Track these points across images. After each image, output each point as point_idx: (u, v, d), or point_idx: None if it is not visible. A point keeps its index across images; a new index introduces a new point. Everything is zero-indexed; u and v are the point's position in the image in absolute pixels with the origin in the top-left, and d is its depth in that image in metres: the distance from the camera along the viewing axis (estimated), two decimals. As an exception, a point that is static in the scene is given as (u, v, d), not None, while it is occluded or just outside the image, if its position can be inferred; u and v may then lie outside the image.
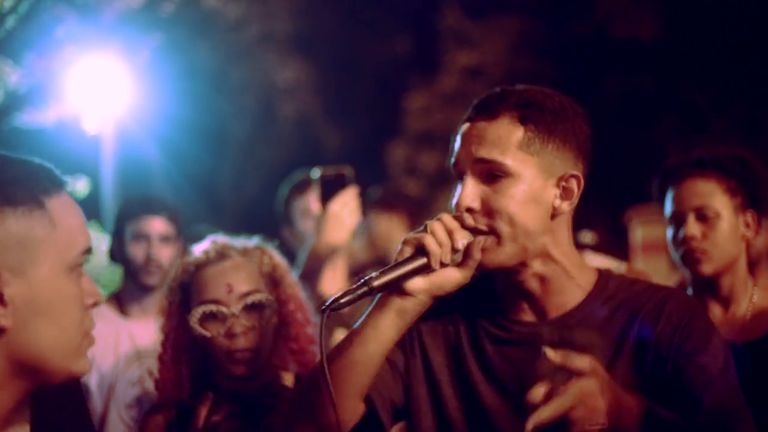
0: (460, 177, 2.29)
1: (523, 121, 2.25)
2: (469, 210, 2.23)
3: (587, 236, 5.83)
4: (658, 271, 8.63)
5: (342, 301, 2.08)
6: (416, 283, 2.16)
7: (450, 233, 2.15)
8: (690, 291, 3.20)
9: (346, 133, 19.53)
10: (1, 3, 9.49)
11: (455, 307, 2.41)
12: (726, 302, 3.13)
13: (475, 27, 18.45)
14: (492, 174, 2.24)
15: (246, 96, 19.08)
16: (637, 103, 16.78)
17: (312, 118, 19.68)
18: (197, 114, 15.50)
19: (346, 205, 3.75)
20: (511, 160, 2.23)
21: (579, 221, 3.72)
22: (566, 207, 2.30)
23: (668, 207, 3.17)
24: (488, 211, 2.23)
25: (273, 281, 2.99)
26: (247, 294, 2.86)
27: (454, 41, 18.74)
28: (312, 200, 4.01)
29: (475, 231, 2.22)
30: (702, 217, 3.11)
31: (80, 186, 10.83)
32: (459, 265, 2.18)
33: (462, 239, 2.16)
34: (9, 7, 9.52)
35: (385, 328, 2.18)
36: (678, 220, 3.13)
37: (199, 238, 5.08)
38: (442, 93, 18.82)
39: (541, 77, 19.19)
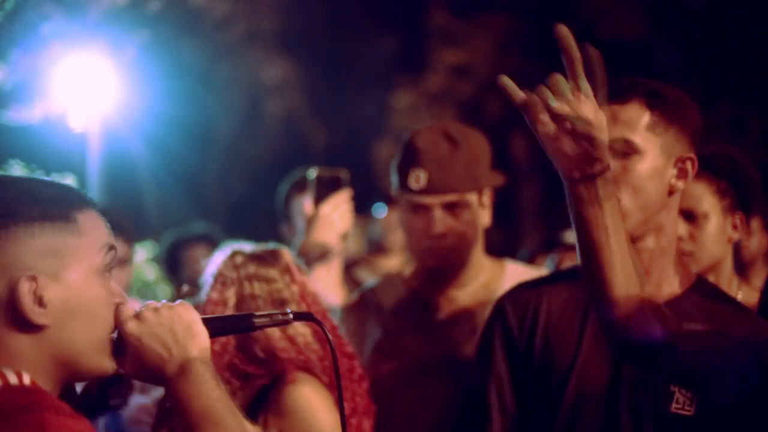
0: None
1: (650, 106, 2.53)
2: None
3: (573, 235, 5.82)
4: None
5: None
6: None
7: None
8: None
9: (332, 131, 19.51)
10: (-13, 0, 9.45)
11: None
12: None
13: (461, 26, 18.45)
14: (621, 151, 2.48)
15: (233, 94, 19.04)
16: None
17: (299, 116, 19.66)
18: (184, 111, 15.46)
19: (338, 208, 3.73)
20: (639, 138, 2.50)
21: (567, 220, 3.73)
22: (681, 185, 2.54)
23: None
24: (616, 183, 2.40)
25: None
26: None
27: (440, 40, 18.74)
28: (306, 200, 4.00)
29: None
30: (690, 217, 3.10)
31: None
32: None
33: None
34: (-5, 4, 9.48)
35: None
36: None
37: (192, 237, 5.08)
38: (428, 92, 18.82)
39: (527, 76, 19.18)
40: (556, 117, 2.09)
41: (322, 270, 4.31)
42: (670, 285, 2.56)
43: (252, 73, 18.98)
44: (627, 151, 2.49)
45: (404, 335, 3.58)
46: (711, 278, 3.12)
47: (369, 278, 4.72)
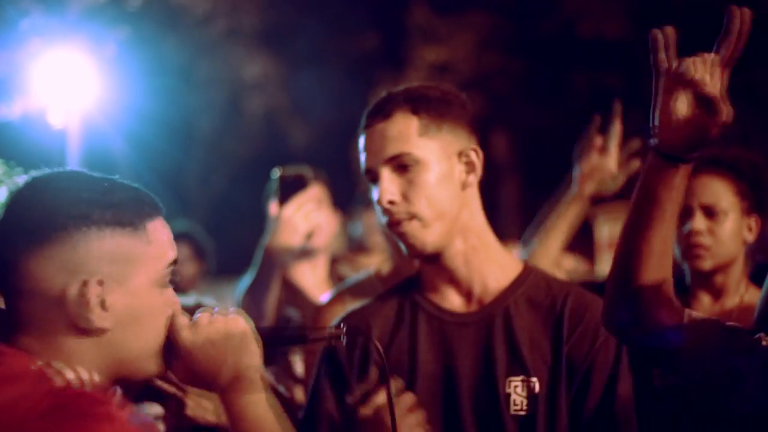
0: (375, 180, 2.48)
1: (415, 111, 2.46)
2: (391, 203, 2.43)
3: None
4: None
5: None
6: None
7: None
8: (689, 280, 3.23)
9: (313, 129, 19.50)
10: (-34, -4, 9.40)
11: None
12: (717, 295, 3.17)
13: (442, 23, 18.46)
14: (402, 165, 2.44)
15: (213, 90, 19.00)
16: (604, 101, 16.85)
17: (279, 113, 19.64)
18: (164, 108, 15.42)
19: (301, 208, 3.71)
20: (415, 148, 2.44)
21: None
22: (473, 179, 2.51)
23: None
24: (408, 198, 2.43)
25: None
26: None
27: (421, 37, 18.74)
28: (272, 202, 3.96)
29: (398, 222, 2.44)
30: (710, 213, 3.13)
31: (46, 180, 10.70)
32: None
33: None
34: (-27, -1, 9.43)
35: None
36: (686, 213, 3.15)
37: (173, 235, 4.98)
38: (410, 89, 18.82)
39: (508, 74, 19.25)
40: (699, 97, 2.00)
41: (308, 267, 4.32)
42: (497, 280, 2.53)
43: (233, 70, 18.95)
44: (407, 164, 2.44)
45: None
46: (720, 278, 3.15)
47: (351, 275, 4.72)
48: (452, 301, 2.55)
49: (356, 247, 6.41)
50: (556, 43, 16.52)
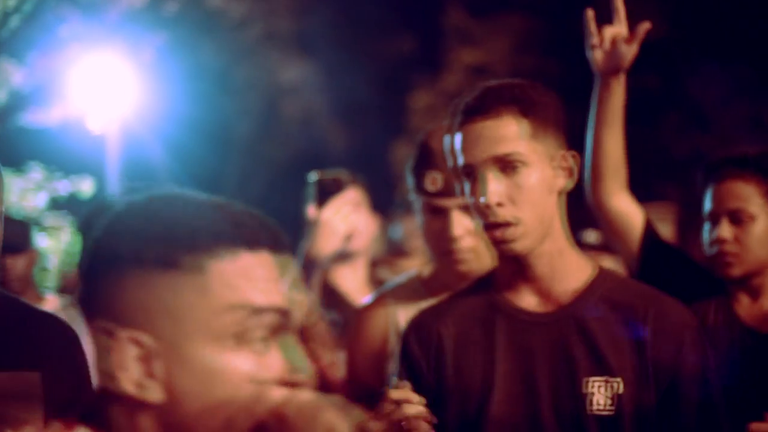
0: (471, 176, 2.43)
1: (525, 113, 2.42)
2: (499, 204, 2.38)
3: (591, 236, 5.82)
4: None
5: None
6: None
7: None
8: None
9: (351, 132, 19.53)
10: (5, 2, 9.50)
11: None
12: (755, 295, 3.13)
13: (479, 25, 18.45)
14: (510, 167, 2.39)
15: (251, 95, 19.08)
16: (642, 102, 16.76)
17: (317, 118, 19.69)
18: (202, 113, 15.51)
19: (339, 212, 3.72)
20: (524, 150, 2.39)
21: (583, 220, 3.69)
22: (570, 184, 2.49)
23: (706, 205, 3.15)
24: (512, 201, 2.38)
25: None
26: None
27: (458, 40, 18.73)
28: (310, 206, 3.98)
29: (502, 225, 2.39)
30: (736, 219, 3.08)
31: (85, 186, 10.85)
32: None
33: None
34: (13, 6, 9.53)
35: None
36: (713, 219, 3.11)
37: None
38: (446, 92, 18.82)
39: (545, 75, 19.19)
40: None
41: (348, 270, 4.33)
42: (575, 281, 2.51)
43: (270, 75, 19.02)
44: (516, 165, 2.40)
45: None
46: (757, 280, 3.11)
47: (390, 278, 4.72)
48: (529, 300, 2.53)
49: (396, 250, 6.41)
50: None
